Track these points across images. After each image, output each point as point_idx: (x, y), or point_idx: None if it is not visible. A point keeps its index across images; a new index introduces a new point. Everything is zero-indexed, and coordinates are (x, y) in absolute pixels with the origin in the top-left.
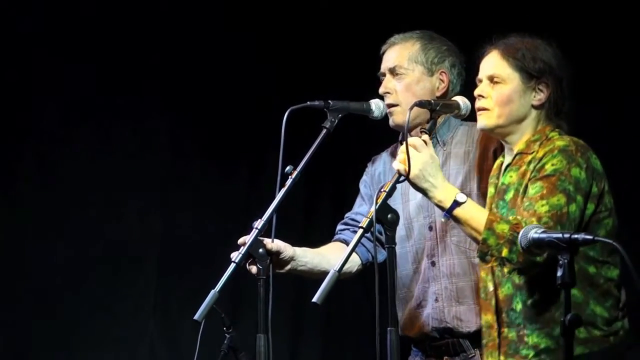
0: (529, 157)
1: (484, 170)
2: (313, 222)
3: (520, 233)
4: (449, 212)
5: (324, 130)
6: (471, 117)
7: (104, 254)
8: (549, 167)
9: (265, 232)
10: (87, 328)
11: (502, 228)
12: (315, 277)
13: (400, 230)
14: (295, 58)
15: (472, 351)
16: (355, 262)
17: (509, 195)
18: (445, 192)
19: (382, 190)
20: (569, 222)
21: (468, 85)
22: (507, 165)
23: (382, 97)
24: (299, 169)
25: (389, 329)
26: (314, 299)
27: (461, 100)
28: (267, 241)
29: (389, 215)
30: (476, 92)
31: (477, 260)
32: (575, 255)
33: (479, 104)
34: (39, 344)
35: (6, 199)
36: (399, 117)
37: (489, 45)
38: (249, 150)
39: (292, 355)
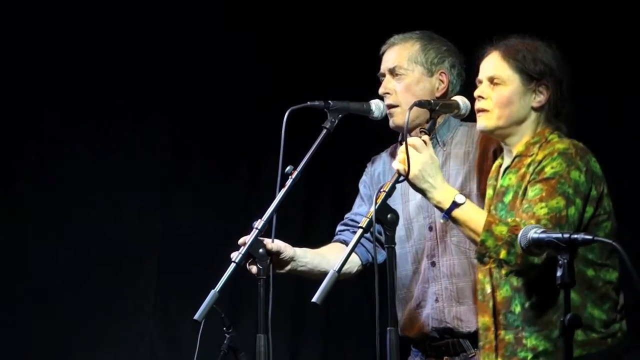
0: (529, 160)
1: (484, 171)
2: (313, 222)
3: (520, 233)
4: (447, 213)
5: (324, 131)
6: (471, 117)
7: (104, 254)
8: (548, 170)
9: (266, 232)
10: (87, 328)
11: (501, 230)
12: (315, 277)
13: (400, 231)
14: (295, 58)
15: (472, 351)
16: (355, 263)
17: (508, 198)
18: (444, 193)
19: (381, 190)
20: (568, 225)
21: (468, 86)
22: (506, 168)
23: (382, 98)
24: (299, 169)
25: (388, 328)
26: (314, 299)
27: (461, 100)
28: (267, 241)
29: (389, 215)
30: (476, 93)
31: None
32: (574, 257)
33: (478, 105)
34: (39, 344)
35: (6, 199)
36: (399, 118)
37: (489, 46)
38: (249, 150)
39: (292, 355)
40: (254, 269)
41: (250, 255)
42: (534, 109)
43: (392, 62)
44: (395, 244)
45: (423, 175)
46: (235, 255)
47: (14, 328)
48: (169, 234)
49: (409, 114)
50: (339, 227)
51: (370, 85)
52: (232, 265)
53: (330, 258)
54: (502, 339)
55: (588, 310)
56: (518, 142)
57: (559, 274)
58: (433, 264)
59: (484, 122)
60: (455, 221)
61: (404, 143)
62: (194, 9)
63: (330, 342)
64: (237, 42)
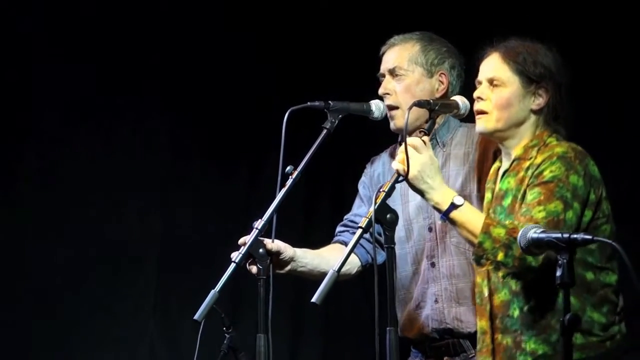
0: (527, 163)
1: (484, 172)
2: (313, 222)
3: (520, 233)
4: (445, 215)
5: (324, 131)
6: (470, 118)
7: (104, 254)
8: (547, 174)
9: (266, 232)
10: (87, 328)
11: (499, 232)
12: (314, 278)
13: (399, 232)
14: (295, 58)
15: (472, 351)
16: (354, 264)
17: (507, 201)
18: (443, 194)
19: (381, 190)
20: (566, 229)
21: (467, 87)
22: (505, 171)
23: (382, 98)
24: (299, 169)
25: (388, 328)
26: (313, 299)
27: (460, 100)
28: (267, 241)
29: (388, 215)
30: (475, 94)
31: None
32: (573, 257)
33: (477, 106)
34: (39, 344)
35: (6, 199)
36: (400, 121)
37: (489, 47)
38: (249, 150)
39: (292, 355)
40: (254, 269)
41: (250, 255)
42: (533, 111)
43: (392, 62)
44: (394, 243)
45: (422, 176)
46: (235, 255)
47: (14, 328)
48: (169, 234)
49: (408, 113)
50: (338, 229)
51: (370, 86)
52: (232, 265)
53: (329, 259)
54: (499, 343)
55: (587, 314)
56: (516, 145)
57: (558, 273)
58: (432, 264)
59: (483, 124)
60: (453, 222)
61: (403, 143)
62: (194, 9)
63: (330, 342)
64: (237, 42)
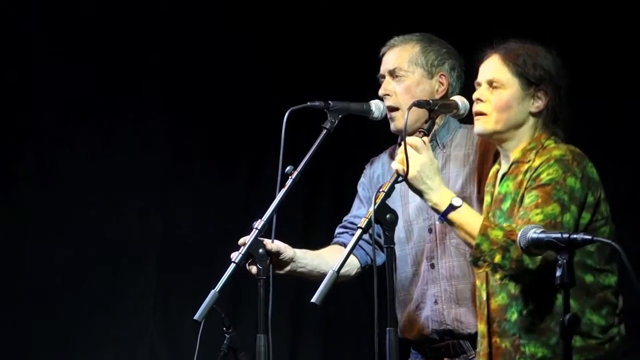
0: (526, 166)
1: (484, 174)
2: (313, 223)
3: (520, 233)
4: (443, 216)
5: (324, 131)
6: (470, 119)
7: (104, 254)
8: (544, 177)
9: (266, 232)
10: (87, 328)
11: (496, 234)
12: (314, 278)
13: (399, 233)
14: (295, 58)
15: (472, 352)
16: (354, 265)
17: (506, 205)
18: (441, 195)
19: (380, 190)
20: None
21: (466, 88)
22: (504, 174)
23: (382, 99)
24: (299, 169)
25: (387, 329)
26: (313, 300)
27: (459, 100)
28: (267, 242)
29: (388, 216)
30: (474, 96)
31: None
32: (573, 257)
33: (476, 107)
34: (39, 344)
35: (6, 199)
36: (400, 122)
37: (489, 49)
38: (249, 150)
39: (292, 356)
40: (253, 269)
41: (250, 255)
42: (532, 114)
43: (392, 63)
44: (394, 244)
45: (421, 177)
46: (235, 256)
47: (14, 328)
48: (169, 234)
49: (407, 113)
50: (337, 230)
51: (370, 86)
52: (232, 266)
53: (329, 260)
54: (498, 347)
55: (587, 316)
56: (515, 147)
57: (558, 274)
58: (432, 265)
59: (481, 125)
60: (451, 224)
61: (403, 144)
62: (194, 9)
63: (329, 342)
64: (237, 42)
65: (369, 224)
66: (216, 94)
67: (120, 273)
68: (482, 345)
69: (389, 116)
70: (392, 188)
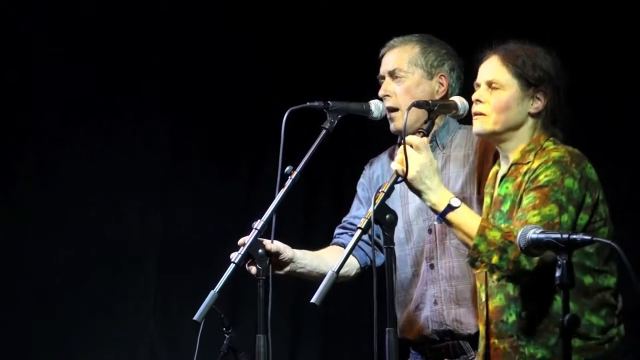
0: (525, 168)
1: (484, 174)
2: (313, 223)
3: (519, 233)
4: (442, 216)
5: (324, 131)
6: (470, 119)
7: (104, 254)
8: (542, 178)
9: (265, 232)
10: (87, 328)
11: (494, 235)
12: (313, 279)
13: (399, 233)
14: (295, 58)
15: (472, 353)
16: (353, 266)
17: (506, 207)
18: (440, 195)
19: (380, 190)
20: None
21: (465, 89)
22: (503, 176)
23: (381, 99)
24: (298, 169)
25: (387, 329)
26: (313, 300)
27: (459, 101)
28: (267, 242)
29: (387, 216)
30: (474, 97)
31: None
32: (572, 257)
33: (476, 108)
34: (39, 344)
35: (6, 199)
36: (399, 123)
37: (488, 50)
38: (249, 150)
39: (291, 356)
40: (253, 269)
41: (250, 255)
42: (531, 115)
43: (392, 64)
44: (394, 244)
45: (420, 177)
46: (235, 256)
47: (14, 328)
48: (169, 234)
49: (407, 114)
50: (336, 231)
51: (370, 86)
52: (232, 266)
53: (328, 261)
54: (496, 348)
55: (586, 317)
56: (514, 148)
57: (557, 274)
58: (432, 266)
59: (480, 125)
60: (449, 224)
61: (402, 144)
62: (194, 9)
63: (329, 342)
64: (237, 42)
65: (368, 225)
66: (216, 94)
67: (120, 273)
68: (481, 345)
69: (388, 116)
70: (391, 188)
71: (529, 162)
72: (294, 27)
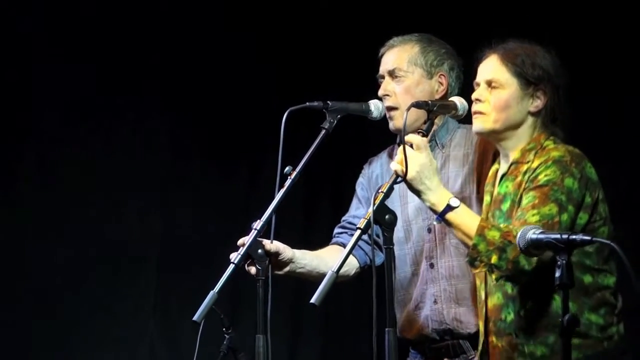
0: (525, 167)
1: (483, 173)
2: (313, 223)
3: (519, 234)
4: (441, 216)
5: (323, 131)
6: (469, 119)
7: (104, 254)
8: (542, 178)
9: (265, 233)
10: (87, 328)
11: (493, 235)
12: (313, 279)
13: (398, 233)
14: (295, 58)
15: (472, 352)
16: (352, 266)
17: (506, 206)
18: (439, 195)
19: (379, 191)
20: (561, 232)
21: (465, 88)
22: (503, 175)
23: (381, 99)
24: (298, 169)
25: (387, 329)
26: (312, 300)
27: (458, 101)
28: (266, 242)
29: (387, 216)
30: (474, 96)
31: None
32: (571, 257)
33: (476, 107)
34: (39, 344)
35: (6, 199)
36: (399, 121)
37: (488, 49)
38: (249, 150)
39: (291, 356)
40: (252, 269)
41: (249, 256)
42: (530, 113)
43: (392, 64)
44: (393, 244)
45: (420, 177)
46: (234, 256)
47: (14, 328)
48: (169, 234)
49: (406, 114)
50: (336, 230)
51: (370, 86)
52: (231, 266)
53: (328, 260)
54: (494, 346)
55: (585, 316)
56: (514, 147)
57: (557, 274)
58: (432, 265)
59: (480, 124)
60: (448, 224)
61: (402, 144)
62: (194, 9)
63: (329, 342)
64: (237, 42)
65: (367, 225)
66: (216, 94)
67: (120, 273)
68: (480, 343)
69: (387, 115)
70: (391, 189)
71: (529, 161)
72: (294, 27)
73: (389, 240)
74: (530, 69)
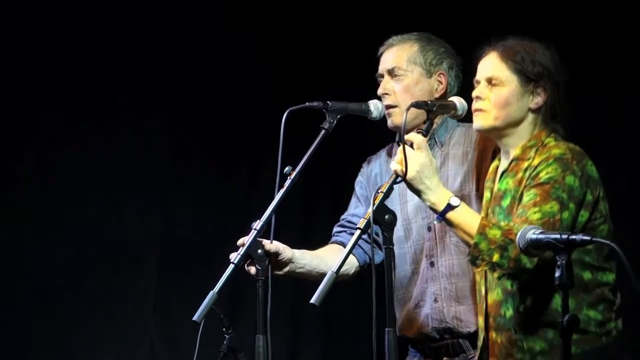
0: (525, 164)
1: (483, 171)
2: (313, 223)
3: (519, 234)
4: (441, 215)
5: (323, 131)
6: (468, 118)
7: (104, 254)
8: (543, 175)
9: (264, 233)
10: (87, 328)
11: (494, 233)
12: (313, 279)
13: (398, 231)
14: (295, 58)
15: (471, 352)
16: (352, 264)
17: (506, 202)
18: (440, 195)
19: (379, 191)
20: (562, 230)
21: (464, 86)
22: (504, 171)
23: (380, 98)
24: (297, 169)
25: (386, 329)
26: (312, 300)
27: (458, 101)
28: (266, 242)
29: (387, 216)
30: (474, 94)
31: None
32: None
33: (476, 105)
34: (39, 344)
35: (6, 199)
36: (397, 119)
37: (488, 46)
38: (249, 150)
39: (291, 356)
40: (252, 269)
41: (249, 256)
42: (531, 110)
43: (391, 63)
44: (393, 244)
45: (420, 177)
46: (234, 256)
47: (14, 328)
48: (169, 234)
49: (406, 115)
50: (335, 229)
51: (370, 86)
52: (231, 266)
53: (328, 260)
54: (494, 341)
55: (584, 312)
56: (514, 143)
57: (557, 274)
58: (432, 264)
59: (480, 121)
60: (449, 223)
61: (401, 144)
62: (194, 9)
63: (329, 342)
64: (237, 42)
65: (367, 225)
66: (216, 94)
67: (120, 273)
68: (480, 338)
69: (386, 113)
70: (390, 189)
71: (529, 158)
72: (294, 27)
73: (388, 240)
74: (530, 66)
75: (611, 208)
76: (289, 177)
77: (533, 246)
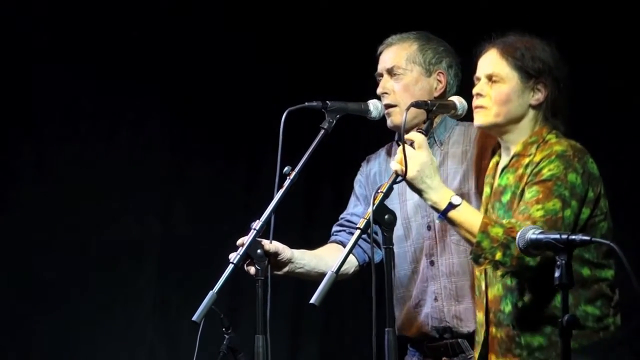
0: (526, 160)
1: (482, 169)
2: (313, 223)
3: (518, 234)
4: (443, 214)
5: (322, 131)
6: (467, 117)
7: (104, 254)
8: (545, 172)
9: (264, 233)
10: (87, 328)
11: (497, 231)
12: (312, 279)
13: (398, 230)
14: (295, 58)
15: (470, 352)
16: (352, 264)
17: (506, 198)
18: (441, 194)
19: (379, 190)
20: (564, 227)
21: (464, 84)
22: (504, 167)
23: (379, 98)
24: (297, 169)
25: (386, 329)
26: (312, 300)
27: (457, 100)
28: (265, 242)
29: (386, 216)
30: (474, 91)
31: None
32: (571, 258)
33: (476, 102)
34: (39, 344)
35: (6, 199)
36: (397, 118)
37: (487, 43)
38: (249, 150)
39: (290, 356)
40: (252, 270)
41: (249, 256)
42: (532, 106)
43: (390, 62)
44: (392, 244)
45: (421, 176)
46: (234, 257)
47: (15, 328)
48: (169, 234)
49: (406, 114)
50: (334, 228)
51: (369, 86)
52: (230, 266)
53: (327, 259)
54: (494, 336)
55: (581, 308)
56: (515, 140)
57: (557, 274)
58: (432, 263)
59: (481, 118)
60: (451, 222)
61: (401, 144)
62: (194, 9)
63: (328, 342)
64: (237, 42)
65: (367, 225)
66: (216, 94)
67: (120, 273)
68: (480, 334)
69: (385, 112)
70: (390, 188)
71: (530, 154)
72: (294, 27)
73: (388, 240)
74: (530, 62)
75: (611, 208)
76: (288, 177)
77: (533, 246)
